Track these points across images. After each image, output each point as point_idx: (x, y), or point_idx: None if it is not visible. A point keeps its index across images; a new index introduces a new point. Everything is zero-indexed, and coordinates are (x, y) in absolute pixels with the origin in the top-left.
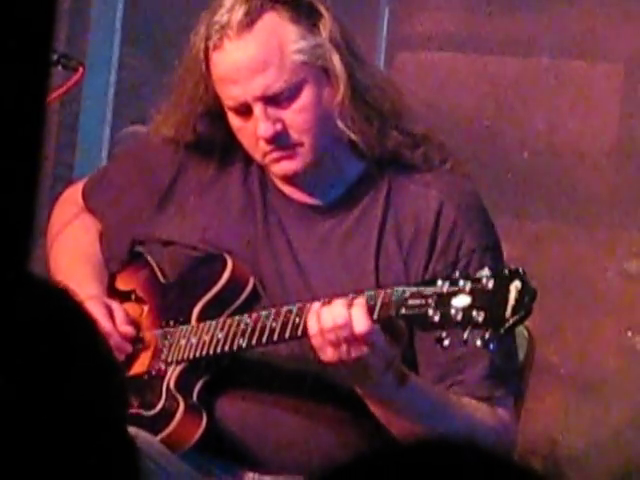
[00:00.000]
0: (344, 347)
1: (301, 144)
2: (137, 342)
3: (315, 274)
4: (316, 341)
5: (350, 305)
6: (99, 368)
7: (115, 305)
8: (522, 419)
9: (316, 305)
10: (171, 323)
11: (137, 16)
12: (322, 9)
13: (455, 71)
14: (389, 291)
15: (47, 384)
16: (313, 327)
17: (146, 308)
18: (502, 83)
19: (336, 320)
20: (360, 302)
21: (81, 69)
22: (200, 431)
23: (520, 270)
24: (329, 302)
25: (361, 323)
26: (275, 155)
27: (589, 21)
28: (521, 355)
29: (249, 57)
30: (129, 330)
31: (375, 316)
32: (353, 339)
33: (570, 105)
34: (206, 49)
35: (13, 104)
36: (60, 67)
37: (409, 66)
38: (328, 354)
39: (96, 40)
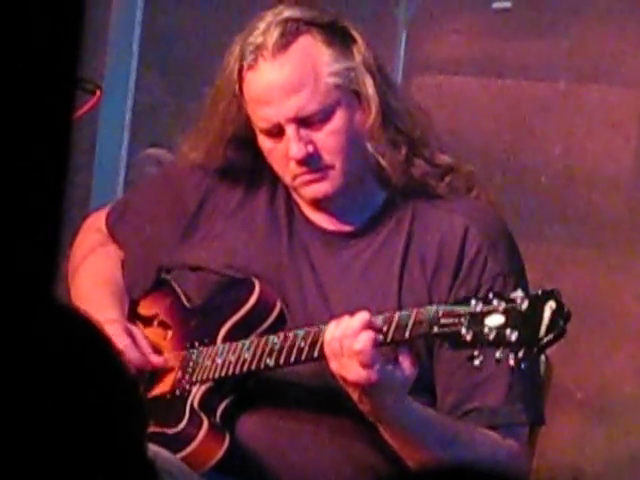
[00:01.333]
0: (343, 360)
1: (332, 167)
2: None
3: (338, 300)
4: (327, 349)
5: (367, 326)
6: (117, 389)
7: (136, 330)
8: (542, 444)
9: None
10: (196, 345)
11: (154, 39)
12: (355, 34)
13: (472, 95)
14: (423, 310)
15: (65, 406)
16: (328, 334)
17: (170, 332)
18: (519, 107)
19: (346, 331)
20: (375, 325)
21: (98, 92)
22: (222, 451)
23: (555, 291)
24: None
25: (361, 341)
26: (306, 178)
27: (607, 45)
28: None
29: (284, 78)
30: (158, 360)
31: (407, 334)
32: (352, 355)
33: (587, 129)
34: (240, 69)
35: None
36: (77, 90)
37: (426, 90)
38: (331, 365)
39: (113, 63)
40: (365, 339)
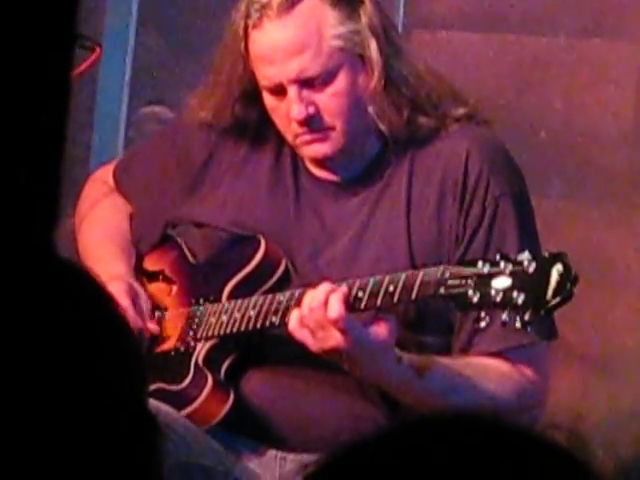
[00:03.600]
0: (320, 333)
1: (333, 128)
2: (166, 318)
3: (347, 243)
4: (299, 332)
5: (332, 291)
6: (117, 344)
7: (140, 291)
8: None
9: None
10: (201, 301)
11: None
12: None
13: (472, 50)
14: (429, 270)
15: (64, 362)
16: (294, 317)
17: (175, 287)
18: (520, 62)
19: (312, 304)
20: (341, 290)
21: (98, 49)
22: (227, 408)
23: (562, 254)
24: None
25: (333, 309)
26: (307, 138)
27: (609, 0)
28: None
29: (287, 39)
30: (153, 328)
31: (414, 295)
32: (327, 325)
33: (588, 84)
34: (245, 27)
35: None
36: (77, 47)
37: (426, 45)
38: (307, 341)
39: (112, 20)
40: (337, 305)
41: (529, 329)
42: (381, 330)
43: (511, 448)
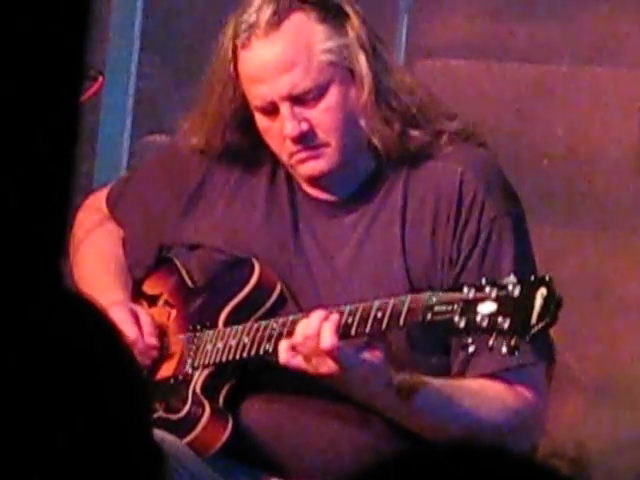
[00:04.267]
0: (314, 360)
1: (327, 144)
2: (164, 346)
3: (342, 263)
4: (292, 360)
5: (325, 319)
6: (122, 375)
7: (141, 311)
8: (546, 426)
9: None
10: (198, 327)
11: (156, 25)
12: (349, 10)
13: (474, 78)
14: (416, 297)
15: (70, 392)
16: (283, 347)
17: (173, 312)
18: (522, 90)
19: (306, 332)
20: (333, 318)
21: (100, 78)
22: (226, 435)
23: (546, 277)
24: (330, 313)
25: (326, 339)
26: (302, 155)
27: (609, 27)
28: None
29: (276, 56)
30: (154, 342)
31: (402, 322)
32: (321, 353)
33: (590, 112)
34: (234, 48)
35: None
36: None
37: (428, 73)
38: (302, 366)
39: (115, 49)
40: (329, 336)
41: (516, 353)
42: (372, 354)
43: (514, 478)
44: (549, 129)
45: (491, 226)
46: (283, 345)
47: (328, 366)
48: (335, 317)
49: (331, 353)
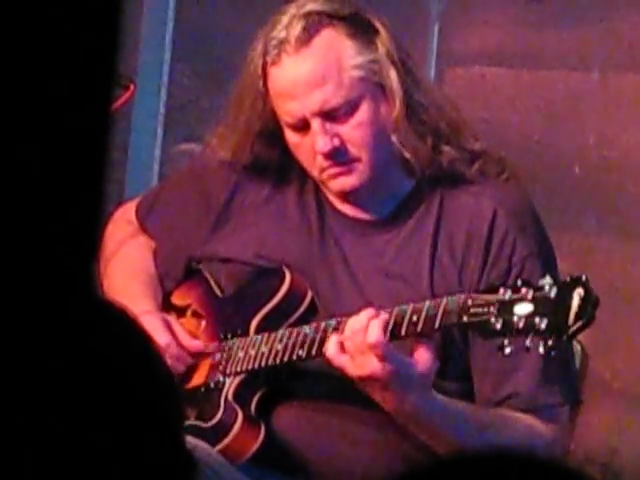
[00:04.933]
0: (359, 359)
1: (359, 160)
2: (195, 355)
3: (370, 288)
4: (336, 358)
5: (374, 317)
6: (154, 382)
7: (173, 320)
8: (579, 429)
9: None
10: (229, 336)
11: (187, 34)
12: (379, 25)
13: (505, 86)
14: (452, 299)
15: (102, 400)
16: (332, 342)
17: (203, 322)
18: (552, 97)
19: (354, 327)
20: (382, 316)
21: (132, 87)
22: (258, 443)
23: (583, 277)
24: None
25: (372, 334)
26: (333, 171)
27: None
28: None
29: (307, 72)
30: (196, 344)
31: (437, 324)
32: (366, 350)
33: (621, 119)
34: (264, 65)
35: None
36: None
37: (459, 81)
38: (346, 366)
39: (146, 58)
40: (376, 331)
41: (552, 354)
42: (421, 360)
43: None
44: (580, 137)
45: (523, 263)
46: (332, 340)
47: (372, 365)
48: (385, 315)
49: (376, 349)
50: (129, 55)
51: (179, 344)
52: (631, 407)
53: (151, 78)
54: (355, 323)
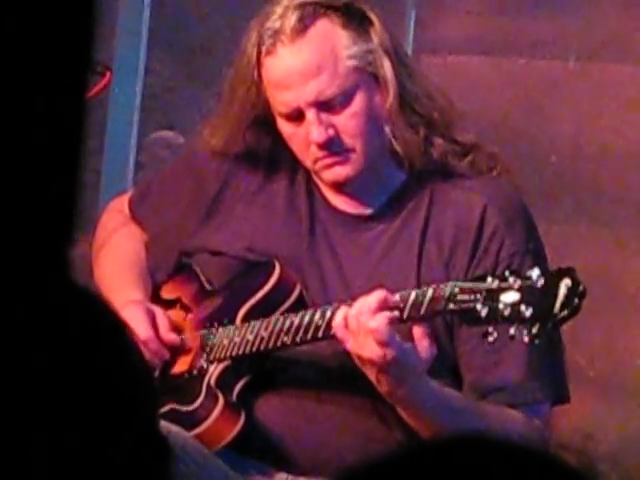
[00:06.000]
0: (360, 339)
1: (353, 150)
2: (180, 342)
3: (357, 282)
4: (339, 330)
5: (384, 301)
6: (127, 368)
7: (158, 311)
8: (554, 415)
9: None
10: (215, 325)
11: (163, 21)
12: (372, 16)
13: (482, 75)
14: (439, 286)
15: (73, 385)
16: (340, 315)
17: (190, 314)
18: (529, 86)
19: (361, 307)
20: (393, 300)
21: (108, 74)
22: (237, 429)
23: (571, 269)
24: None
25: (376, 319)
26: (327, 161)
27: (617, 23)
28: None
29: (303, 62)
30: (173, 338)
31: (423, 311)
32: (368, 333)
33: (597, 107)
34: (258, 54)
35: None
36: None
37: (435, 70)
38: (346, 342)
39: (122, 45)
40: (381, 317)
41: (536, 342)
42: (421, 347)
43: (521, 468)
44: (557, 125)
45: (511, 260)
46: (341, 311)
47: (372, 349)
48: (394, 302)
49: (375, 334)
50: (105, 42)
51: (158, 337)
52: (606, 394)
53: (127, 65)
54: (364, 304)
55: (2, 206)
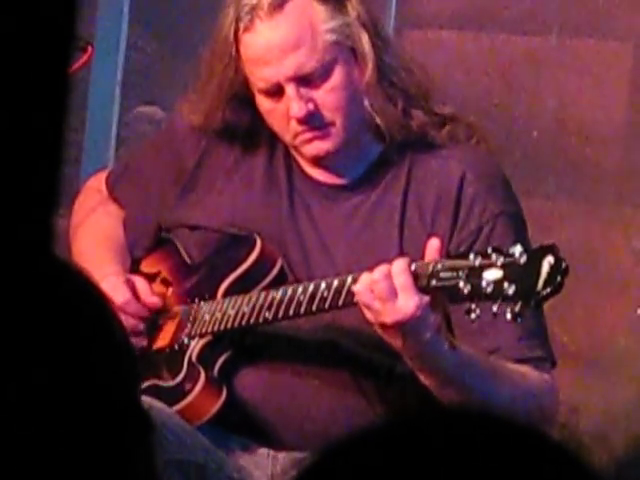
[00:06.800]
0: (389, 303)
1: (333, 124)
2: (161, 316)
3: (339, 252)
4: (365, 297)
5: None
6: (108, 342)
7: (138, 279)
8: None
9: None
10: (196, 300)
11: None
12: None
13: (463, 49)
14: (421, 263)
15: (54, 359)
16: (364, 280)
17: (171, 289)
18: (510, 61)
19: (394, 269)
20: (402, 259)
21: (90, 49)
22: (218, 404)
23: (554, 246)
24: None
25: (405, 277)
26: (308, 135)
27: None
28: None
29: (281, 37)
30: (155, 300)
31: None
32: (398, 294)
33: (579, 83)
34: (236, 31)
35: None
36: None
37: (417, 44)
38: (372, 307)
39: (104, 20)
40: (409, 275)
41: (519, 320)
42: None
43: (504, 441)
44: (539, 101)
45: (495, 221)
46: (365, 277)
47: (401, 311)
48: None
49: (410, 290)
50: (87, 17)
51: (139, 300)
52: (588, 369)
53: (109, 40)
54: (396, 266)
55: None
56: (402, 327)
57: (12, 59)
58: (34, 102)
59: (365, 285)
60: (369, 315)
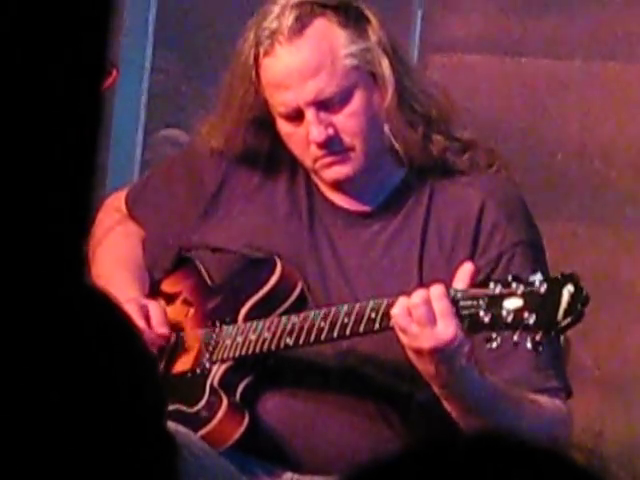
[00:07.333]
0: (428, 329)
1: (353, 149)
2: (182, 339)
3: (359, 279)
4: (403, 321)
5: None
6: (135, 366)
7: (152, 305)
8: None
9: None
10: (217, 323)
11: (170, 20)
12: (369, 14)
13: (488, 73)
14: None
15: (85, 384)
16: (402, 304)
17: (192, 310)
18: (535, 85)
19: (433, 294)
20: (439, 285)
21: (114, 72)
22: (241, 430)
23: (574, 275)
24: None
25: (444, 303)
26: (327, 160)
27: (623, 23)
28: None
29: (301, 62)
30: (163, 331)
31: None
32: (445, 314)
33: (603, 107)
34: (256, 55)
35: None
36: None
37: (442, 69)
38: (409, 331)
39: (129, 43)
40: (447, 301)
41: (540, 349)
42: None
43: (531, 467)
44: (563, 125)
45: (514, 250)
46: (402, 301)
47: (446, 334)
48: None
49: (449, 317)
50: (112, 40)
51: (151, 328)
52: (613, 393)
53: (134, 64)
54: (434, 290)
55: (19, 204)
56: (438, 353)
57: (46, 82)
58: (68, 125)
59: (403, 308)
60: (404, 339)
